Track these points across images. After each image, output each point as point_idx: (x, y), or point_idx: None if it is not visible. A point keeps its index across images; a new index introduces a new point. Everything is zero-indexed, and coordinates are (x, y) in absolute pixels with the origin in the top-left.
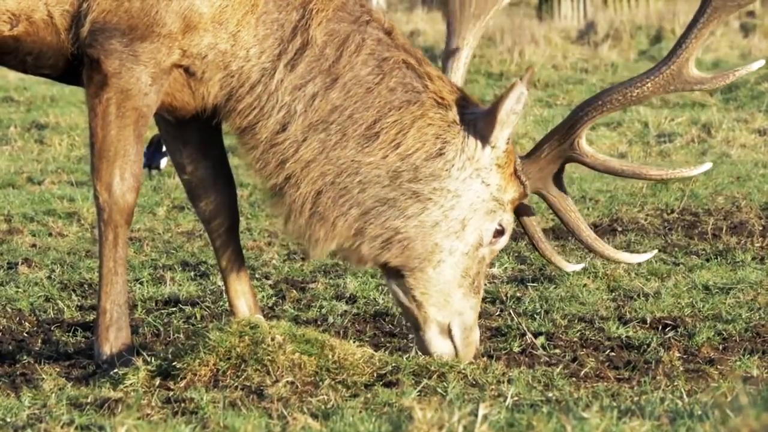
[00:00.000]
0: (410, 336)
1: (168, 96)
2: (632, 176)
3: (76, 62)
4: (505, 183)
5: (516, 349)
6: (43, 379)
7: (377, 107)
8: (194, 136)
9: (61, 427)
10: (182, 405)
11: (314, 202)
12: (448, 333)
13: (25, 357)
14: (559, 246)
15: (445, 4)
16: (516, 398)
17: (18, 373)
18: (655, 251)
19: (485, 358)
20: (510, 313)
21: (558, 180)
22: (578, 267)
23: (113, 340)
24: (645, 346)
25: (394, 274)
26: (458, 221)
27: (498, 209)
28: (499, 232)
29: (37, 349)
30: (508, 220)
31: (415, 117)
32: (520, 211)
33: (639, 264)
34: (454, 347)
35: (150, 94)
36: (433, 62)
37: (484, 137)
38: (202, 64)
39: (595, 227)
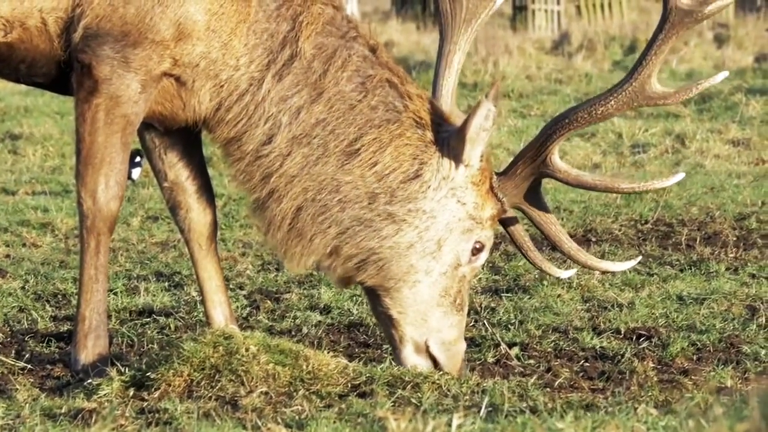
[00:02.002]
0: (384, 346)
1: (158, 105)
2: (605, 190)
3: (68, 70)
4: (482, 200)
5: (490, 360)
6: (17, 389)
7: (359, 124)
8: (176, 145)
9: None
10: (156, 416)
11: (294, 218)
12: (425, 351)
13: None
14: None
15: (435, 9)
16: (490, 408)
17: None
18: (639, 258)
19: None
20: (484, 323)
21: (536, 194)
22: (571, 273)
23: (91, 347)
24: (619, 357)
25: (371, 292)
26: (434, 242)
27: (475, 228)
28: (478, 250)
29: (10, 359)
30: (486, 236)
31: (393, 136)
32: (507, 222)
33: (613, 274)
34: (436, 363)
35: (139, 102)
36: (407, 71)
37: (457, 156)
38: (193, 73)
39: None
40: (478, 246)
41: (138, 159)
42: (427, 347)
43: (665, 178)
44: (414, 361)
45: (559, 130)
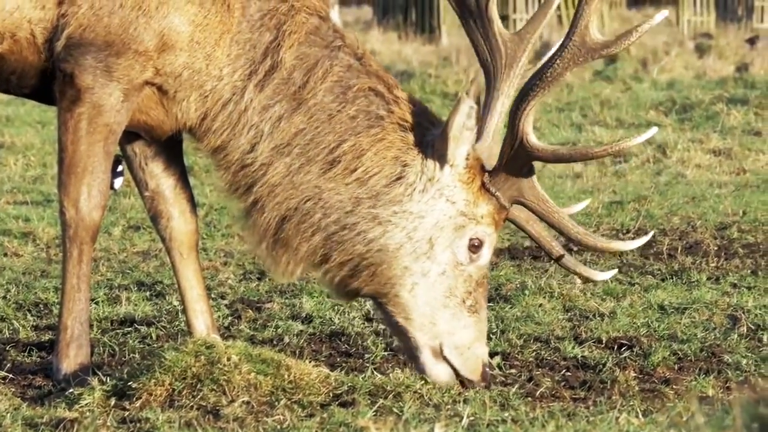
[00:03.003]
0: (366, 356)
1: (142, 114)
2: (581, 158)
3: (51, 79)
4: (474, 197)
5: None
6: None
7: (338, 133)
8: (157, 154)
9: None
10: (138, 425)
11: (278, 228)
12: (441, 355)
13: None
14: (514, 266)
15: (478, 58)
16: (472, 418)
17: None
18: (652, 233)
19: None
20: None
21: (532, 185)
22: (609, 275)
23: (73, 357)
24: (601, 366)
25: (377, 302)
26: (425, 241)
27: (468, 224)
28: (476, 246)
29: None
30: (484, 232)
31: (373, 141)
32: (532, 232)
33: (595, 284)
34: (453, 368)
35: (122, 111)
36: None
37: (441, 157)
38: (176, 83)
39: None
40: (476, 243)
41: (120, 168)
42: (442, 351)
43: (635, 136)
44: (435, 368)
45: (521, 105)
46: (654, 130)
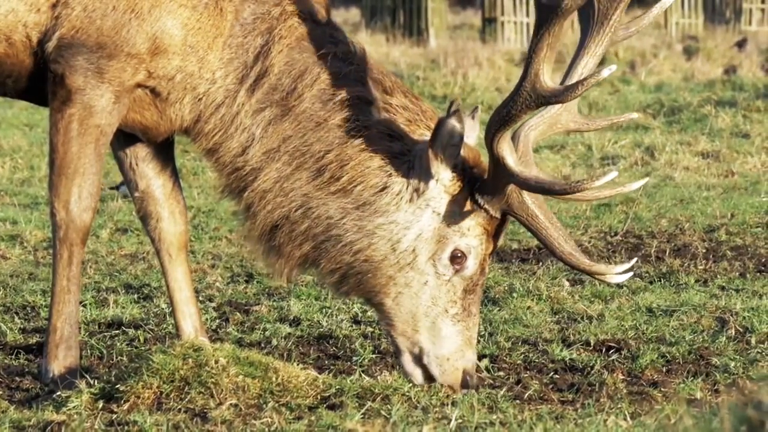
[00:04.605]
0: (354, 358)
1: (137, 114)
2: (543, 193)
3: (42, 80)
4: (460, 209)
5: None
6: None
7: (325, 142)
8: (148, 155)
9: None
10: (125, 428)
11: (270, 235)
12: (420, 361)
13: None
14: (503, 269)
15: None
16: (460, 421)
17: None
18: (636, 259)
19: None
20: None
21: (520, 200)
22: (623, 278)
23: (62, 358)
24: (589, 369)
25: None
26: (408, 252)
27: (452, 236)
28: (459, 258)
29: None
30: (469, 244)
31: (358, 151)
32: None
33: (582, 287)
34: (431, 376)
35: (113, 112)
36: None
37: (426, 171)
38: (168, 86)
39: (538, 250)
40: (458, 254)
41: (122, 187)
42: (421, 358)
43: (596, 178)
44: (410, 371)
45: (490, 136)
46: (614, 173)
